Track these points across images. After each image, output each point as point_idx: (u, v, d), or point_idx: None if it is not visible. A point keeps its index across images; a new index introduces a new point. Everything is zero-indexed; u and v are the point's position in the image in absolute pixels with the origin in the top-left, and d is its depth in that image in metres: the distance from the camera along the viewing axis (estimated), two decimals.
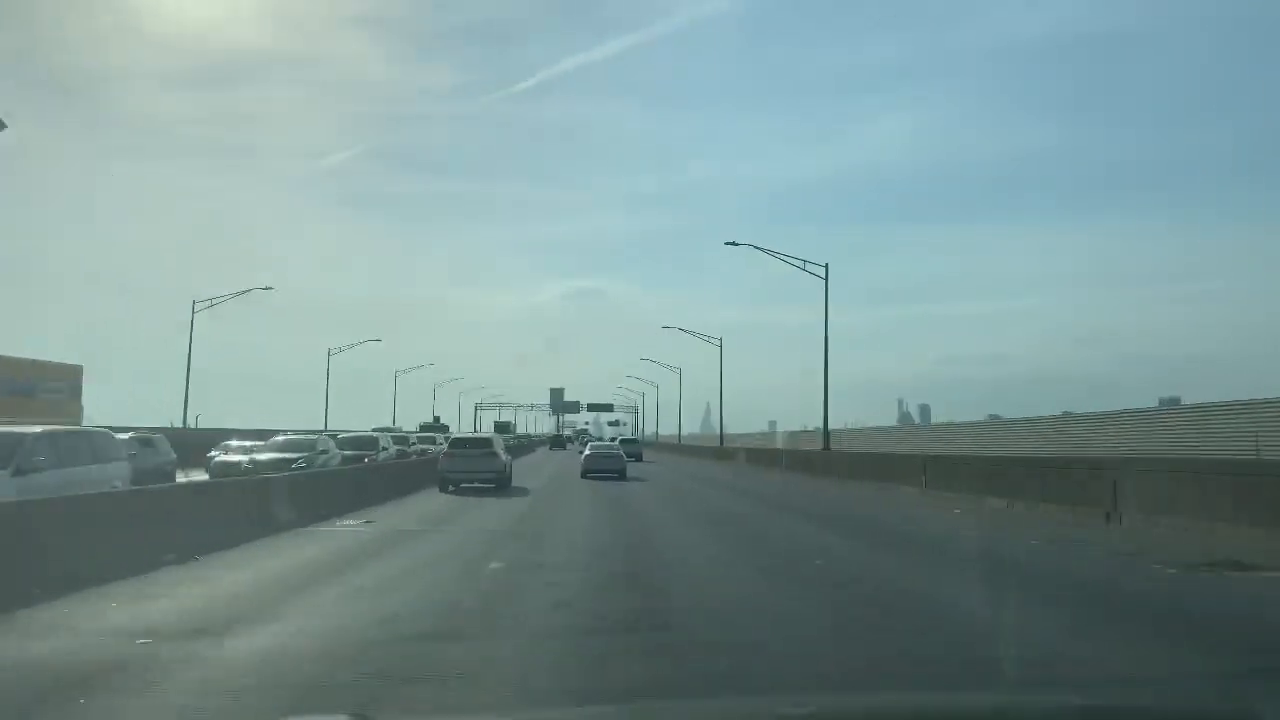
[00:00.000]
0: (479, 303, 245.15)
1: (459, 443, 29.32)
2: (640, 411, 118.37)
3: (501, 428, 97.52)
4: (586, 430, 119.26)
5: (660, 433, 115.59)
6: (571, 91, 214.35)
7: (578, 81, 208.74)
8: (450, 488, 26.32)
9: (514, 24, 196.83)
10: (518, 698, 5.74)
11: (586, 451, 39.79)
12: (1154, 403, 41.10)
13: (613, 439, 67.01)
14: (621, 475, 35.12)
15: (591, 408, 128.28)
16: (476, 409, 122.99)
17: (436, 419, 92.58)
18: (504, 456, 28.60)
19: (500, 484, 27.07)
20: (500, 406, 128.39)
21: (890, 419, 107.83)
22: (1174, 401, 40.41)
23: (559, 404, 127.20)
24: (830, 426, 42.89)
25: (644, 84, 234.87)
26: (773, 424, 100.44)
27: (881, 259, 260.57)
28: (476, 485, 26.51)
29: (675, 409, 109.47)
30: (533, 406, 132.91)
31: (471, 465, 27.09)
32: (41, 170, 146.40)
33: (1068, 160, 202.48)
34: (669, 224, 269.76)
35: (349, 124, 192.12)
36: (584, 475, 34.85)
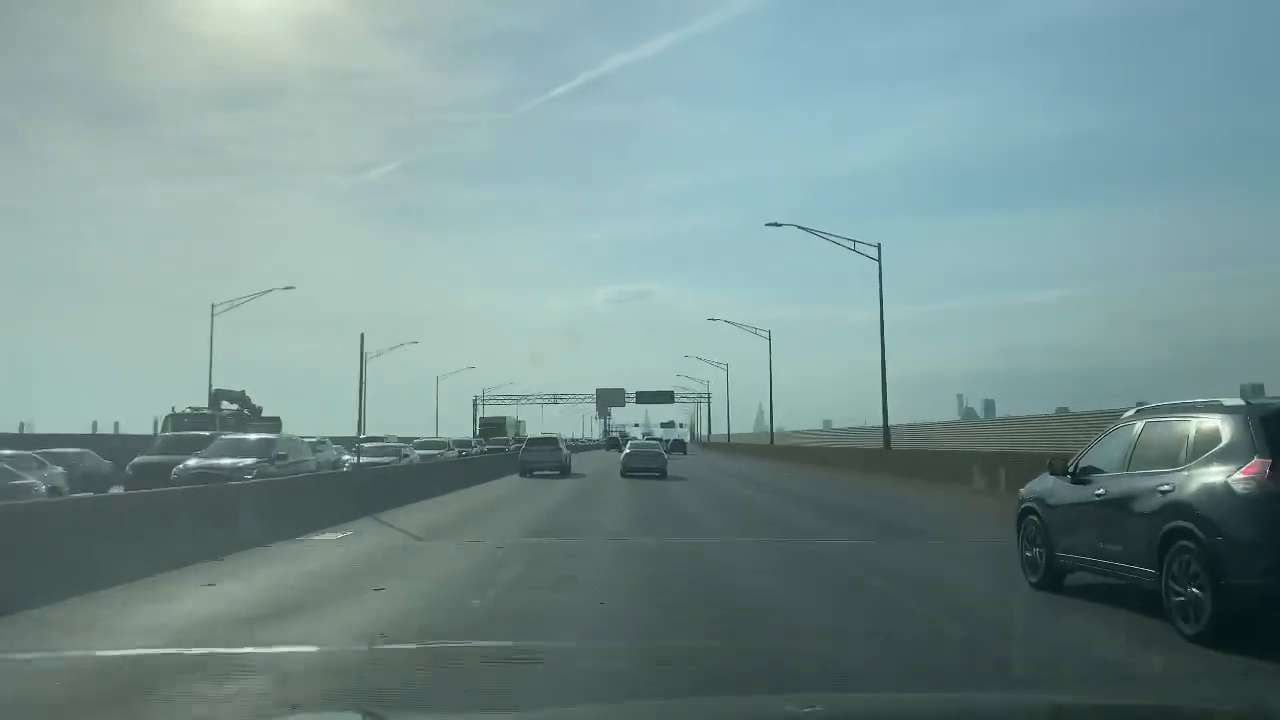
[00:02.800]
0: (526, 308, 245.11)
1: (534, 441, 40.82)
2: (707, 403, 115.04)
3: (491, 424, 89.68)
4: (650, 433, 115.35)
5: (715, 433, 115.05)
6: (611, 94, 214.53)
7: (617, 83, 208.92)
8: (528, 473, 35.47)
9: (550, 29, 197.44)
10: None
11: (626, 450, 38.32)
12: (1235, 390, 39.57)
13: (661, 439, 66.14)
14: (662, 474, 33.85)
15: (642, 397, 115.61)
16: (475, 403, 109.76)
17: (235, 396, 48.73)
18: (566, 451, 39.28)
19: (563, 471, 36.48)
20: (520, 400, 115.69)
21: (951, 414, 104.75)
22: (1258, 389, 39.00)
23: (606, 398, 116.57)
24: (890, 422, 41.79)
25: (683, 83, 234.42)
26: (827, 422, 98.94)
27: (934, 250, 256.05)
28: (545, 472, 35.88)
29: (727, 409, 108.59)
30: (556, 399, 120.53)
31: (542, 457, 37.01)
32: (90, 193, 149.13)
33: (1123, 142, 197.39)
34: (715, 223, 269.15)
35: (391, 136, 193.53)
36: (624, 474, 33.66)
